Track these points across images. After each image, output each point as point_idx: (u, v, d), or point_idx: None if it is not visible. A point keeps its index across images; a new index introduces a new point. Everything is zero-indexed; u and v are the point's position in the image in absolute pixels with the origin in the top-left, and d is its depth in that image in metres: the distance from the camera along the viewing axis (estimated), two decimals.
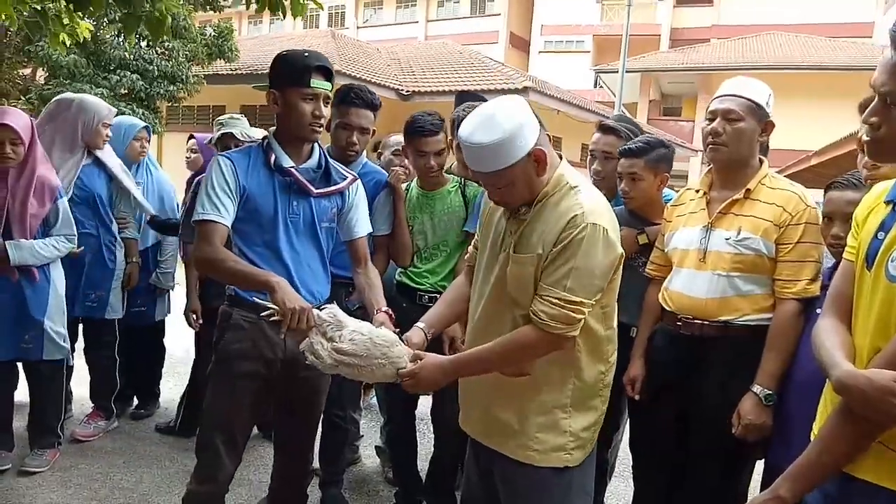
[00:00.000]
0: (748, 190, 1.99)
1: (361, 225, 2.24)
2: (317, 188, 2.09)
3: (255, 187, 2.03)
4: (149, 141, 3.66)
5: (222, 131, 3.29)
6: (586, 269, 1.57)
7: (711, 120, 2.03)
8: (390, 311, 2.00)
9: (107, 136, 3.26)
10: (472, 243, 1.97)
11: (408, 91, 13.65)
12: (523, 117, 1.56)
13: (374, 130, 2.64)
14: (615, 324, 1.77)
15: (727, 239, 1.99)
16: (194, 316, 3.20)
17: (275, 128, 2.12)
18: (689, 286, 2.06)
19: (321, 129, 2.06)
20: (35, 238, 2.83)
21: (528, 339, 1.62)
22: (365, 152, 2.77)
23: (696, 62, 22.15)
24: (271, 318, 1.84)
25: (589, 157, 2.68)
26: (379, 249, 2.73)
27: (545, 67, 26.49)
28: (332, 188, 2.14)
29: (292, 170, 2.05)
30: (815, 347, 1.34)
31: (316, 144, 2.14)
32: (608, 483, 2.92)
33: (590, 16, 28.08)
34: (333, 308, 1.80)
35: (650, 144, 2.36)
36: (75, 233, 2.98)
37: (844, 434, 1.24)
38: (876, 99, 1.19)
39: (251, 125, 3.42)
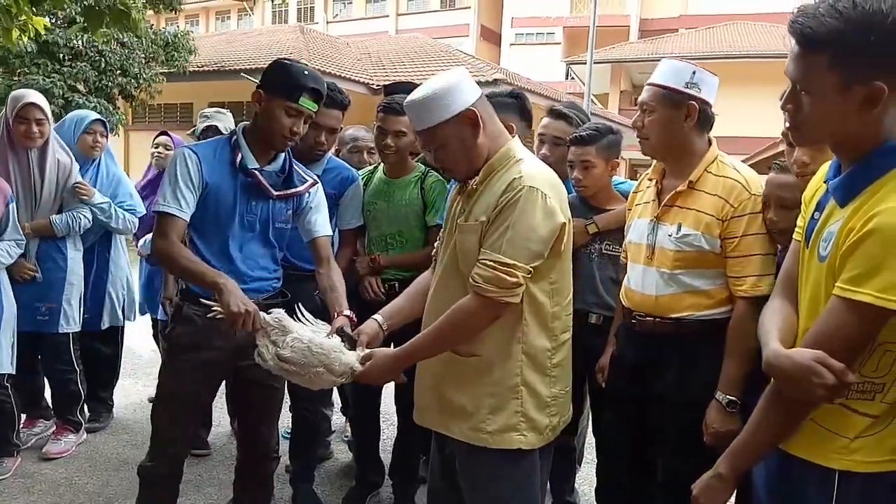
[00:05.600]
0: (691, 181, 1.91)
1: (321, 226, 2.24)
2: (277, 191, 2.12)
3: (216, 184, 2.04)
4: (105, 136, 3.32)
5: (206, 124, 3.23)
6: (521, 232, 1.57)
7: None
8: (352, 315, 1.99)
9: (25, 131, 2.88)
10: (438, 237, 1.95)
11: (378, 85, 13.49)
12: (454, 81, 1.64)
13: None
14: (567, 303, 1.75)
15: (670, 235, 1.92)
16: (168, 302, 3.12)
17: (247, 124, 2.12)
18: (640, 282, 1.99)
19: (291, 143, 2.09)
20: None
21: (466, 306, 1.62)
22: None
23: (664, 52, 22.15)
24: (217, 318, 1.87)
25: (537, 141, 2.62)
26: (346, 244, 2.71)
27: (516, 60, 26.53)
28: (291, 191, 2.16)
29: (256, 172, 2.07)
30: (758, 327, 1.36)
31: None
32: (578, 469, 2.95)
33: (560, 8, 28.15)
34: (280, 313, 1.82)
35: (600, 131, 2.36)
36: (24, 238, 2.85)
37: (776, 412, 1.26)
38: (789, 87, 1.22)
39: (236, 121, 3.32)
